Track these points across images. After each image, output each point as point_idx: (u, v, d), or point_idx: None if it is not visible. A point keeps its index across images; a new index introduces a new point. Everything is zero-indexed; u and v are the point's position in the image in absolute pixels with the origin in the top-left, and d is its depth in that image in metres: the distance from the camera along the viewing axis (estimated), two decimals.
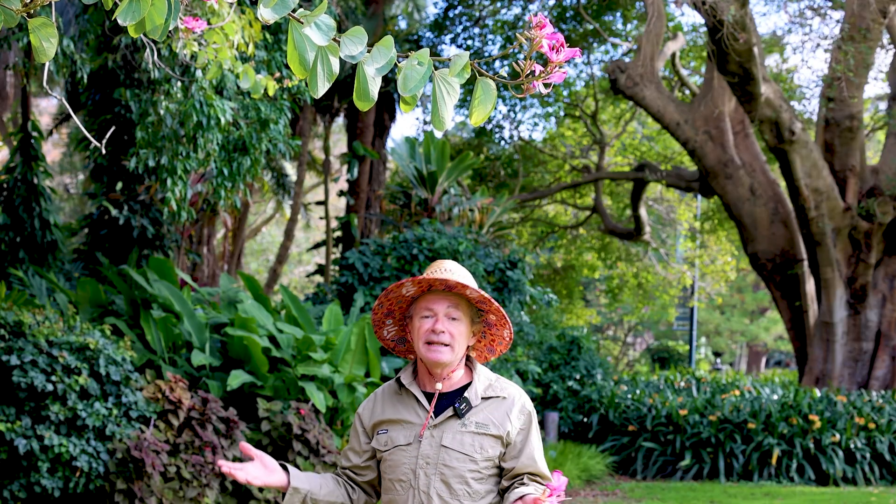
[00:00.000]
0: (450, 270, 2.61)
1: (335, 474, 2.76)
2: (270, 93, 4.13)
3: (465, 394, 2.61)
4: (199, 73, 6.64)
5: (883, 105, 18.03)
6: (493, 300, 2.61)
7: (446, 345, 2.57)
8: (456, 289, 2.59)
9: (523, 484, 2.58)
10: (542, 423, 11.90)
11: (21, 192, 9.64)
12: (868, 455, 10.83)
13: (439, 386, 2.61)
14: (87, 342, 6.40)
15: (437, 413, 2.60)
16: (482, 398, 2.62)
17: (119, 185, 10.19)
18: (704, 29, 15.53)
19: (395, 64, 1.65)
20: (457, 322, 2.60)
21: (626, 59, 16.12)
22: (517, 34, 1.69)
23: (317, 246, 19.65)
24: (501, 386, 2.66)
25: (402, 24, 19.13)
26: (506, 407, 2.61)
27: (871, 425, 10.93)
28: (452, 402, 2.61)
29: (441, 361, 2.58)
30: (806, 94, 17.18)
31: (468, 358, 2.70)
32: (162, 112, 7.31)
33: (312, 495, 2.62)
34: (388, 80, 13.10)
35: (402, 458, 2.59)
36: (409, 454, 2.58)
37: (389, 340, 2.78)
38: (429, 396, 2.64)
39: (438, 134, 14.92)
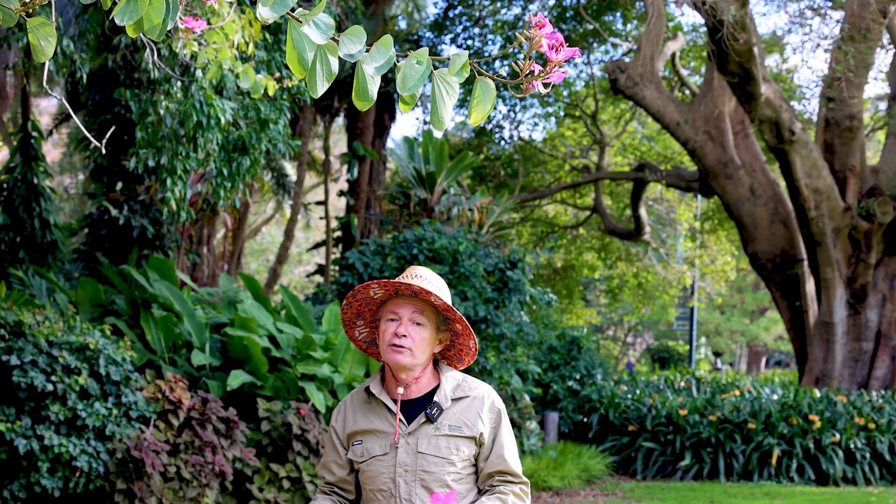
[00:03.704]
0: (420, 276, 2.64)
1: (323, 492, 2.77)
2: (270, 93, 4.13)
3: (435, 397, 2.64)
4: (199, 73, 6.64)
5: (883, 105, 18.03)
6: (456, 310, 2.63)
7: (407, 348, 2.59)
8: (421, 294, 2.61)
9: (492, 486, 2.63)
10: (541, 424, 11.90)
11: (21, 192, 9.64)
12: (868, 455, 10.82)
13: (401, 391, 2.63)
14: (87, 342, 6.40)
15: (409, 420, 2.63)
16: (452, 399, 2.64)
17: (119, 185, 10.19)
18: (704, 29, 15.53)
19: (395, 63, 1.65)
20: (421, 327, 2.61)
21: (626, 59, 16.12)
22: (517, 34, 1.69)
23: (317, 246, 19.65)
24: (469, 385, 2.69)
25: (402, 24, 19.13)
26: (476, 406, 2.64)
27: (871, 425, 10.93)
28: (423, 407, 2.63)
29: (400, 364, 2.60)
30: (806, 94, 17.19)
31: (435, 362, 2.72)
32: (162, 112, 7.31)
33: None
34: (388, 80, 13.11)
35: (380, 469, 2.61)
36: (386, 464, 2.60)
37: (361, 342, 2.80)
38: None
39: (438, 134, 14.92)
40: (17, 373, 6.05)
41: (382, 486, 2.60)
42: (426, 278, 2.65)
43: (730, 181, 14.33)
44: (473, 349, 2.73)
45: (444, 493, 2.52)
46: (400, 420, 2.62)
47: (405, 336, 2.59)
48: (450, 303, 2.63)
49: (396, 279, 2.65)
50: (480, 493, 2.66)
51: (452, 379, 2.69)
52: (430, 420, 2.60)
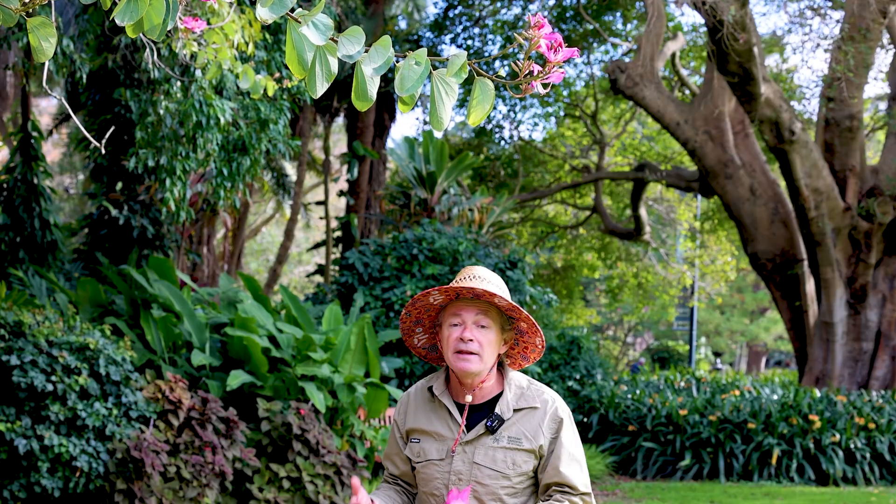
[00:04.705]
0: (479, 277, 2.55)
1: (387, 482, 2.74)
2: (270, 93, 4.13)
3: (497, 407, 2.55)
4: (198, 73, 6.64)
5: (883, 105, 18.03)
6: (521, 309, 2.54)
7: (474, 353, 2.51)
8: (483, 297, 2.53)
9: (549, 497, 2.53)
10: None
11: (21, 192, 9.65)
12: (868, 455, 10.82)
13: (469, 398, 2.56)
14: (87, 342, 6.40)
15: (469, 427, 2.56)
16: (514, 409, 2.56)
17: (119, 185, 10.20)
18: (704, 29, 15.53)
19: (394, 63, 1.65)
20: (486, 330, 2.53)
21: (626, 59, 16.12)
22: (516, 34, 1.69)
23: (317, 246, 19.66)
24: (533, 394, 2.59)
25: (403, 24, 19.14)
26: (538, 417, 2.55)
27: (871, 425, 10.93)
28: (485, 414, 2.56)
29: (469, 371, 2.52)
30: (806, 94, 17.19)
31: (500, 365, 2.63)
32: (162, 112, 7.32)
33: None
34: (388, 80, 13.10)
35: (434, 473, 2.56)
36: (441, 469, 2.55)
37: (420, 349, 2.72)
38: (460, 407, 2.59)
39: (438, 134, 14.93)
40: (17, 373, 6.05)
41: (435, 491, 2.56)
42: (485, 279, 2.55)
43: (730, 181, 14.33)
44: (540, 346, 2.64)
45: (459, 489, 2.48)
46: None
47: (472, 340, 2.50)
48: (512, 302, 2.55)
49: (454, 282, 2.56)
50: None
51: (517, 387, 2.59)
52: (490, 431, 2.53)
